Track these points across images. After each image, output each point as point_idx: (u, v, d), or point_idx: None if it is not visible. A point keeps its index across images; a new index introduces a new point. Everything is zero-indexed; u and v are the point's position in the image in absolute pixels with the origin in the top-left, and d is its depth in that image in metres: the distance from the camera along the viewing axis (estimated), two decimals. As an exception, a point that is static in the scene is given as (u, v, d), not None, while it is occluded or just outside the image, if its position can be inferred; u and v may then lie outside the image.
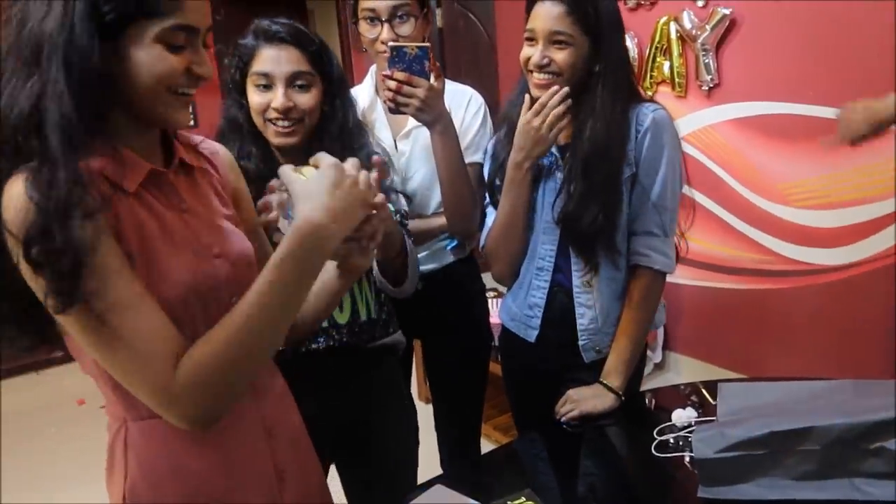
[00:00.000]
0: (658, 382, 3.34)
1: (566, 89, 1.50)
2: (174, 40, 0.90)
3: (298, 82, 1.43)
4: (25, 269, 0.83)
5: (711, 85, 3.05)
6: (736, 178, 3.08)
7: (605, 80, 1.52)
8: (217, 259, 1.02)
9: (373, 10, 1.74)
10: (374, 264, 1.50)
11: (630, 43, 3.19)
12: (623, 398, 1.55)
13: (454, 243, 1.93)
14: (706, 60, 3.01)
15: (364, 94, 1.92)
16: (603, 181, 1.53)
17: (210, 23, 0.95)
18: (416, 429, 1.72)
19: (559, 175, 1.59)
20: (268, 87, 1.43)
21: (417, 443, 1.73)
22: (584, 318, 1.62)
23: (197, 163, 1.07)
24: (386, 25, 1.73)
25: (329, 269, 1.13)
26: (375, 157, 1.13)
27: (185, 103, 0.95)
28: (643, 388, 1.79)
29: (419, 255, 1.77)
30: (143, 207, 0.95)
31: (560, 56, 1.50)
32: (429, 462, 1.78)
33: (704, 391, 1.60)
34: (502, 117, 1.70)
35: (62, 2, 0.84)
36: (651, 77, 3.25)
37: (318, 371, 1.51)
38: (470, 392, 2.10)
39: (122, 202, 0.91)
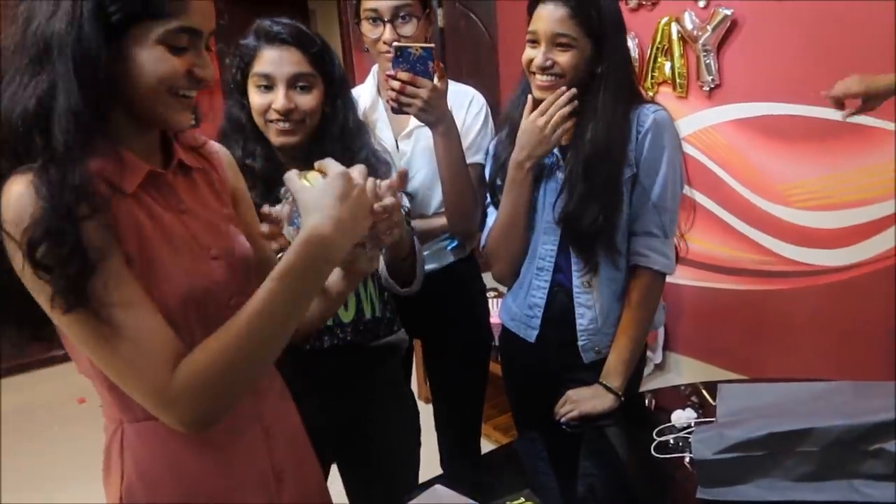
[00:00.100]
0: (658, 383, 3.34)
1: (573, 91, 1.51)
2: (177, 42, 0.90)
3: (299, 83, 1.42)
4: (24, 269, 0.82)
5: (712, 85, 3.05)
6: (736, 179, 3.08)
7: (607, 81, 1.52)
8: (215, 261, 1.02)
9: (375, 10, 1.74)
10: (382, 264, 1.50)
11: (631, 43, 3.19)
12: (622, 399, 1.55)
13: (455, 243, 1.93)
14: (707, 61, 3.01)
15: (366, 93, 1.92)
16: (604, 182, 1.53)
17: (213, 26, 0.95)
18: (419, 428, 1.73)
19: (560, 175, 1.59)
20: (269, 87, 1.42)
21: (419, 443, 1.73)
22: (584, 318, 1.62)
23: (196, 163, 1.07)
24: (388, 26, 1.73)
25: (334, 271, 1.13)
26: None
27: (185, 105, 0.95)
28: (643, 388, 1.79)
29: (420, 255, 1.77)
30: (142, 209, 0.95)
31: (563, 58, 1.50)
32: (429, 462, 1.78)
33: (704, 392, 1.61)
34: (504, 118, 1.70)
35: (70, 1, 0.84)
36: (652, 77, 3.25)
37: (322, 370, 1.51)
38: (470, 392, 2.10)
39: (120, 203, 0.91)
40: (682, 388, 1.76)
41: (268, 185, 1.41)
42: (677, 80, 3.15)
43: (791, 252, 2.97)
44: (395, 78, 1.56)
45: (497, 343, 1.92)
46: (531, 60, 1.53)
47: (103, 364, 0.89)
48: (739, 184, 3.08)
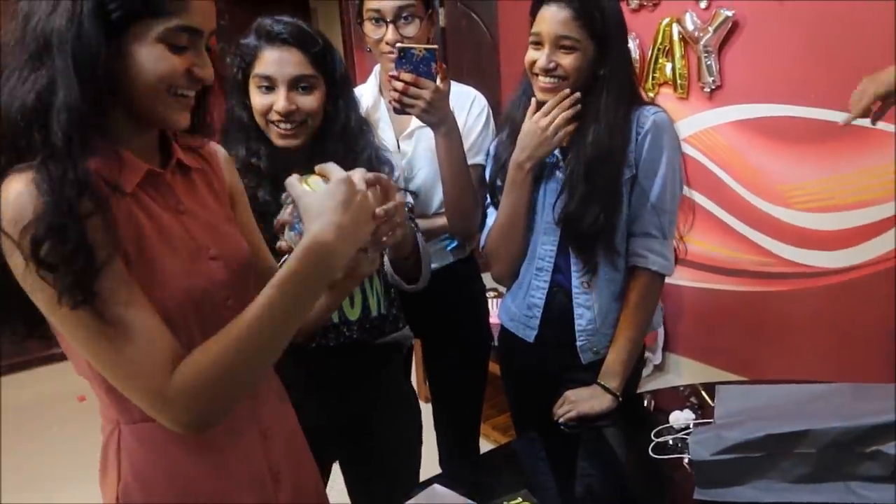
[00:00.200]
0: (658, 384, 3.34)
1: (577, 94, 1.51)
2: (177, 41, 0.90)
3: (301, 85, 1.41)
4: (26, 268, 0.82)
5: (713, 86, 3.05)
6: (737, 180, 3.08)
7: (609, 83, 1.52)
8: (213, 261, 1.02)
9: (378, 10, 1.74)
10: (387, 262, 1.49)
11: (632, 44, 3.19)
12: (620, 399, 1.56)
13: (455, 244, 1.93)
14: (708, 62, 3.01)
15: (368, 93, 1.92)
16: (604, 183, 1.53)
17: (214, 26, 0.95)
18: (420, 427, 1.73)
19: (560, 176, 1.59)
20: (270, 88, 1.41)
21: (421, 441, 1.73)
22: (583, 318, 1.62)
23: (195, 163, 1.07)
24: (391, 26, 1.74)
25: None
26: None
27: (184, 105, 0.95)
28: (643, 389, 1.80)
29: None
30: (141, 208, 0.95)
31: (566, 60, 1.50)
32: (428, 461, 1.78)
33: (704, 393, 1.61)
34: (505, 118, 1.70)
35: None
36: (653, 78, 3.25)
37: (328, 368, 1.51)
38: (469, 392, 2.11)
39: (119, 203, 0.91)
40: (682, 389, 1.76)
41: (275, 184, 1.39)
42: (678, 81, 3.15)
43: (791, 253, 2.97)
44: (398, 79, 1.56)
45: (496, 343, 1.92)
46: (534, 62, 1.53)
47: (102, 364, 0.89)
48: (740, 185, 3.08)
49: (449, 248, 1.94)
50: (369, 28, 1.79)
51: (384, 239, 1.06)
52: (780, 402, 1.36)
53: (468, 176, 1.74)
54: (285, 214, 1.06)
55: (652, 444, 1.40)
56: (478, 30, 4.08)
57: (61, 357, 0.98)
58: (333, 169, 0.98)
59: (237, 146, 1.46)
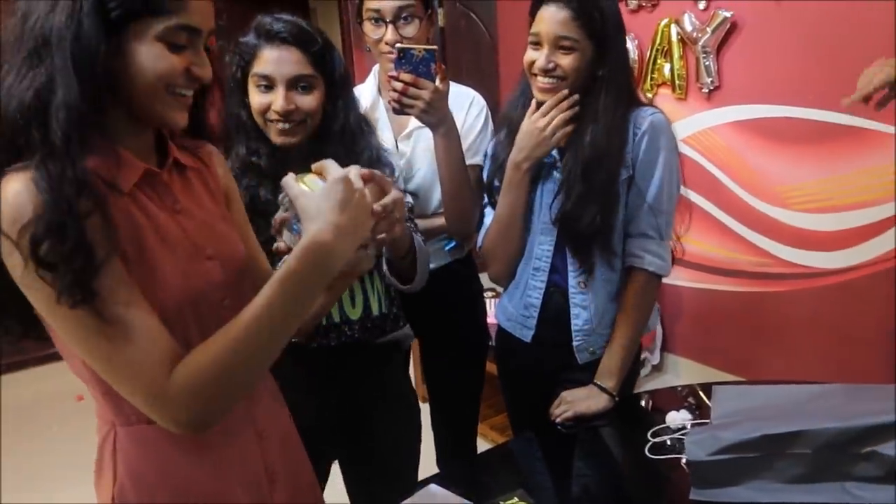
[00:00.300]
0: (656, 384, 3.34)
1: (576, 97, 1.52)
2: (176, 39, 0.90)
3: (300, 84, 1.40)
4: (25, 267, 0.82)
5: (712, 87, 3.05)
6: (735, 181, 3.08)
7: (607, 84, 1.53)
8: (210, 261, 1.02)
9: (377, 10, 1.74)
10: (384, 261, 1.49)
11: (631, 45, 3.19)
12: (617, 399, 1.56)
13: (452, 243, 1.94)
14: (707, 63, 3.01)
15: (366, 93, 1.92)
16: (602, 183, 1.53)
17: (212, 26, 0.95)
18: (420, 427, 1.73)
19: (557, 176, 1.60)
20: (269, 87, 1.40)
21: (420, 440, 1.73)
22: (579, 318, 1.63)
23: (191, 163, 1.07)
24: (390, 26, 1.74)
25: None
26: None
27: (182, 104, 0.95)
28: (641, 389, 1.80)
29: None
30: (138, 208, 0.94)
31: (565, 61, 1.50)
32: (426, 460, 1.79)
33: (701, 393, 1.61)
34: (503, 118, 1.71)
35: None
36: (651, 79, 3.25)
37: (329, 368, 1.51)
38: (467, 391, 2.11)
39: (116, 202, 0.90)
40: (679, 389, 1.77)
41: (275, 183, 1.38)
42: (676, 82, 3.15)
43: (789, 254, 2.97)
44: (397, 79, 1.56)
45: (493, 343, 1.92)
46: (533, 62, 1.53)
47: (100, 363, 0.88)
48: (738, 186, 3.08)
49: (447, 248, 1.94)
50: (369, 28, 1.79)
51: (383, 235, 1.06)
52: (776, 402, 1.36)
53: (466, 176, 1.74)
54: (282, 214, 1.05)
55: (648, 445, 1.40)
56: (477, 30, 4.08)
57: (59, 356, 0.98)
58: (331, 167, 0.98)
59: (237, 145, 1.46)
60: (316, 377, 1.51)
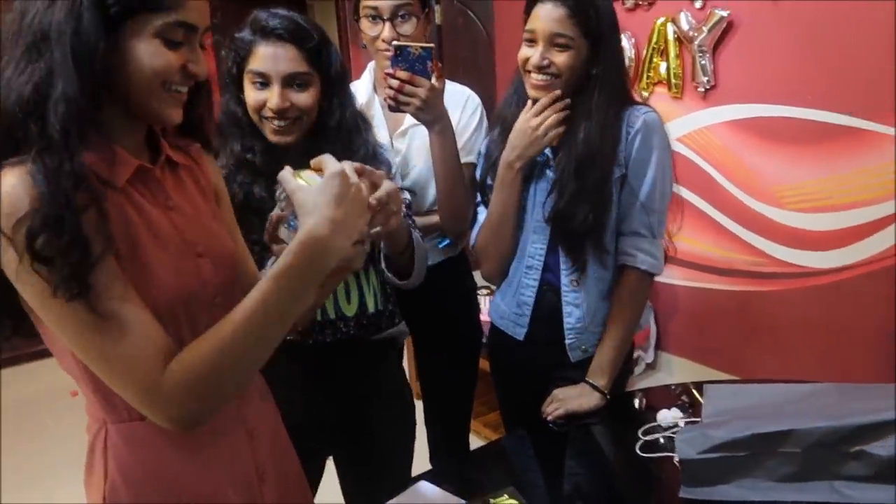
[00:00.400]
0: (650, 382, 3.35)
1: (567, 101, 1.52)
2: (173, 36, 0.91)
3: (296, 82, 1.39)
4: (20, 262, 0.82)
5: (708, 86, 3.05)
6: (730, 180, 3.09)
7: (601, 82, 1.53)
8: (201, 258, 1.02)
9: (375, 8, 1.74)
10: (382, 257, 1.49)
11: (627, 43, 3.19)
12: (608, 397, 1.56)
13: (446, 241, 1.94)
14: (703, 62, 3.01)
15: (362, 90, 1.92)
16: (595, 182, 1.54)
17: (209, 23, 0.96)
18: (414, 424, 1.73)
19: (550, 174, 1.60)
20: (264, 84, 1.39)
21: (414, 438, 1.74)
22: (572, 316, 1.63)
23: (182, 160, 1.07)
24: (387, 24, 1.74)
25: None
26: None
27: (177, 100, 0.95)
28: (635, 387, 1.80)
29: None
30: (131, 204, 0.94)
31: (560, 58, 1.50)
32: (418, 457, 1.79)
33: (695, 392, 1.62)
34: (496, 116, 1.71)
35: None
36: (648, 78, 3.25)
37: (325, 365, 1.51)
38: (460, 389, 2.11)
39: (110, 198, 0.90)
40: (673, 387, 1.77)
41: (269, 181, 1.38)
42: (673, 81, 3.16)
43: (783, 254, 2.98)
44: (393, 76, 1.56)
45: (486, 340, 1.93)
46: (527, 59, 1.53)
47: (94, 359, 0.88)
48: (733, 185, 3.08)
49: (440, 245, 1.94)
50: (366, 25, 1.79)
51: (378, 229, 1.05)
52: (767, 401, 1.37)
53: (461, 174, 1.74)
54: (279, 211, 1.05)
55: (639, 443, 1.41)
56: (474, 27, 4.08)
57: (50, 353, 0.98)
58: (328, 161, 0.98)
59: (231, 142, 1.45)
60: (311, 374, 1.51)
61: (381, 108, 1.89)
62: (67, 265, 0.81)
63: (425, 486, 1.29)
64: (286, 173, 0.98)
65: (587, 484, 1.41)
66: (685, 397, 1.62)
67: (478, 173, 1.75)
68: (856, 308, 2.77)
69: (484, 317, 2.08)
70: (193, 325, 0.96)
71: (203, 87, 1.03)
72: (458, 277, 2.04)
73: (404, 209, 1.43)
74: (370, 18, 1.77)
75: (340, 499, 1.71)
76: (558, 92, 1.52)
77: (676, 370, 3.46)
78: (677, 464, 1.29)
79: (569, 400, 1.55)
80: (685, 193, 3.10)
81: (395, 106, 1.59)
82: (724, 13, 2.90)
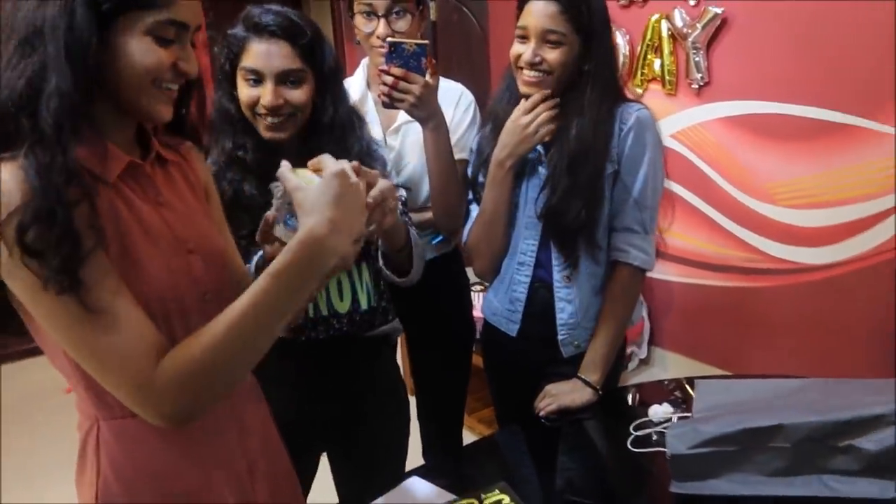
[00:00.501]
0: (643, 378, 3.36)
1: (556, 100, 1.53)
2: (164, 34, 0.91)
3: (289, 79, 1.38)
4: (9, 256, 0.82)
5: (702, 83, 3.05)
6: (724, 177, 3.09)
7: (594, 79, 1.53)
8: (191, 254, 1.02)
9: (370, 4, 1.74)
10: (380, 255, 1.49)
11: (621, 40, 3.19)
12: (601, 392, 1.57)
13: (439, 238, 1.94)
14: (697, 59, 3.02)
15: (355, 86, 1.92)
16: (587, 178, 1.54)
17: (200, 22, 0.96)
18: (409, 420, 1.73)
19: (542, 171, 1.60)
20: (257, 81, 1.38)
21: (408, 433, 1.74)
22: (564, 312, 1.63)
23: (172, 157, 1.07)
24: (382, 21, 1.74)
25: None
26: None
27: (168, 98, 0.96)
28: (628, 383, 1.81)
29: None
30: (121, 200, 0.95)
31: (552, 55, 1.50)
32: (411, 452, 1.80)
33: (687, 387, 1.62)
34: (488, 113, 1.71)
35: None
36: (642, 74, 3.25)
37: (318, 361, 1.51)
38: (453, 384, 2.12)
39: (100, 194, 0.90)
40: (666, 383, 1.78)
41: (260, 178, 1.38)
42: (667, 78, 3.16)
43: (777, 250, 2.99)
44: (387, 73, 1.56)
45: (479, 337, 1.93)
46: (519, 55, 1.53)
47: (85, 354, 0.88)
48: (727, 181, 3.09)
49: (434, 241, 1.94)
50: (360, 21, 1.78)
51: (373, 227, 1.05)
52: (757, 396, 1.37)
53: (455, 171, 1.74)
54: (275, 209, 1.05)
55: (631, 438, 1.42)
56: (468, 24, 4.08)
57: (41, 351, 0.98)
58: (328, 161, 0.98)
59: (223, 139, 1.44)
60: (305, 371, 1.51)
61: (375, 105, 1.89)
62: (58, 258, 0.81)
63: (415, 482, 1.30)
64: (286, 170, 0.98)
65: (579, 479, 1.42)
66: (678, 393, 1.63)
67: (469, 170, 1.75)
68: (848, 304, 2.77)
69: (477, 313, 2.08)
70: (184, 321, 0.96)
71: (193, 85, 1.03)
72: (451, 274, 2.05)
73: (400, 206, 1.43)
74: (365, 15, 1.77)
75: (334, 495, 1.71)
76: (548, 91, 1.52)
77: (670, 366, 3.47)
78: (668, 459, 1.29)
79: (561, 395, 1.56)
80: (679, 190, 3.10)
81: (389, 102, 1.59)
82: (718, 10, 2.90)
